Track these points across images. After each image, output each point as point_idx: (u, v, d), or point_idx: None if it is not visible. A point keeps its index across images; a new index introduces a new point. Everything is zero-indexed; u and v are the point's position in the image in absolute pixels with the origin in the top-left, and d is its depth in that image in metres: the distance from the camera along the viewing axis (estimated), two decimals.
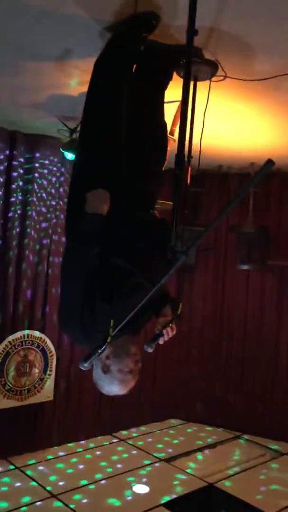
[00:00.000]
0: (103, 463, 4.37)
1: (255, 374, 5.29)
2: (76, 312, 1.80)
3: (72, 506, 3.59)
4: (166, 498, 3.77)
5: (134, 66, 2.20)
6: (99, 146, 2.00)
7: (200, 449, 4.80)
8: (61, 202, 4.54)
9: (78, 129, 3.67)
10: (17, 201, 4.29)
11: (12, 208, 4.26)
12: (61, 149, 3.86)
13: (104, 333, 1.72)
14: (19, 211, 4.30)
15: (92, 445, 4.74)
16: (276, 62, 2.50)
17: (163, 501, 3.72)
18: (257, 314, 5.35)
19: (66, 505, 3.60)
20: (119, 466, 4.33)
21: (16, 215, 4.28)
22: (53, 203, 4.51)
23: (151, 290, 1.65)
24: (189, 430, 5.34)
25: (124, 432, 5.12)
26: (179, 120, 3.16)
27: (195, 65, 2.40)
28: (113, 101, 2.04)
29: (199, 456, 4.67)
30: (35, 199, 4.38)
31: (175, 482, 4.07)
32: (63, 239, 4.57)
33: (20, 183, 4.30)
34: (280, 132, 3.62)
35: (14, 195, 4.26)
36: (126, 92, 2.05)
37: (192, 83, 2.56)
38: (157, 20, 2.05)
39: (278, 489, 4.03)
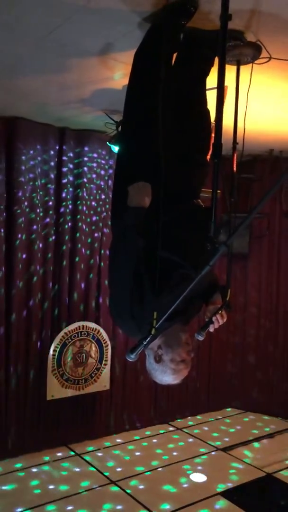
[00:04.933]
0: (159, 451, 4.43)
1: None
2: (126, 305, 1.83)
3: (128, 491, 3.68)
4: (223, 487, 3.77)
5: (175, 54, 2.18)
6: (141, 138, 2.00)
7: (257, 439, 4.75)
8: (110, 195, 4.59)
9: None
10: (68, 196, 4.39)
11: (64, 204, 4.36)
12: (108, 143, 3.89)
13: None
14: (70, 206, 4.40)
15: (148, 433, 4.82)
16: None
17: (219, 490, 3.72)
18: None
19: (124, 490, 3.69)
20: (175, 454, 4.38)
21: (68, 210, 4.38)
22: (103, 196, 4.58)
23: (201, 281, 1.65)
24: (246, 419, 5.29)
25: (180, 421, 5.16)
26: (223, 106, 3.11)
27: (236, 48, 2.36)
28: (154, 91, 2.03)
29: (257, 445, 4.62)
30: (85, 194, 4.46)
31: (232, 471, 4.06)
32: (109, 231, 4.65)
33: (71, 178, 4.40)
34: None
35: (65, 190, 4.37)
36: (167, 81, 2.03)
37: (235, 67, 2.54)
38: (195, 7, 2.01)
39: None
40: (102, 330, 4.55)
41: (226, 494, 3.68)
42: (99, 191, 4.56)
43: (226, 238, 1.58)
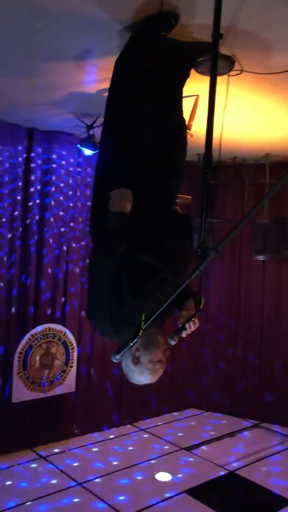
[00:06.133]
0: (124, 452, 4.47)
1: (272, 364, 5.34)
2: (104, 308, 1.86)
3: (95, 492, 3.70)
4: (189, 486, 3.85)
5: (154, 64, 2.24)
6: (126, 144, 2.05)
7: (219, 437, 4.87)
8: (79, 202, 4.61)
9: (95, 125, 3.73)
10: (37, 201, 4.37)
11: (31, 202, 4.34)
12: (78, 145, 3.91)
13: (132, 326, 1.80)
14: (37, 215, 4.38)
15: (113, 435, 4.85)
16: None
17: (185, 489, 3.81)
18: (273, 303, 5.39)
19: (90, 491, 3.70)
20: (139, 454, 4.43)
21: (35, 215, 4.36)
22: (71, 195, 4.58)
23: (176, 284, 1.72)
24: (207, 420, 5.41)
25: (143, 422, 5.22)
26: (195, 114, 3.21)
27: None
28: (135, 99, 2.10)
29: (219, 444, 4.74)
30: (52, 202, 4.45)
31: (196, 470, 4.16)
32: (77, 233, 4.66)
33: (38, 174, 4.38)
34: None
35: (32, 192, 4.34)
36: (147, 89, 2.10)
37: (209, 78, 2.63)
38: (176, 20, 2.09)
39: None
40: (68, 333, 4.54)
41: (191, 492, 3.77)
42: (67, 198, 4.55)
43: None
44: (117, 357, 1.70)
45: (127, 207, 1.95)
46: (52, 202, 4.46)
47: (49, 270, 4.46)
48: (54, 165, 4.46)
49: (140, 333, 1.67)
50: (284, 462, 4.38)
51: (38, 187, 4.38)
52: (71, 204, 4.58)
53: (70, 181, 4.57)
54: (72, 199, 4.59)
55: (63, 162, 4.51)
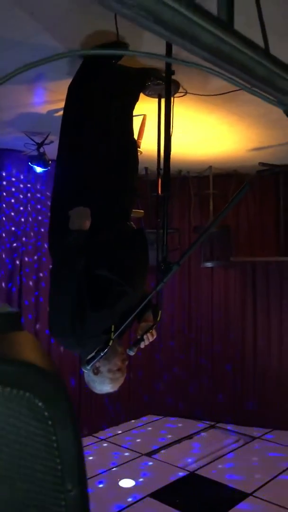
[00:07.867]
0: (86, 462, 4.51)
1: (223, 366, 5.58)
2: (66, 322, 1.95)
3: None
4: (152, 489, 3.97)
5: (106, 89, 2.38)
6: (81, 165, 2.17)
7: (178, 441, 5.03)
8: (30, 219, 4.66)
9: (45, 143, 3.81)
10: None
11: None
12: (29, 163, 3.97)
13: (94, 338, 1.91)
14: None
15: None
16: None
17: (149, 492, 3.92)
18: (222, 307, 5.66)
19: None
20: (102, 463, 4.49)
21: None
22: (22, 220, 4.61)
23: (135, 296, 1.85)
24: (165, 424, 5.56)
25: (103, 431, 5.29)
26: (143, 133, 3.39)
27: (159, 85, 2.64)
28: (89, 121, 2.23)
29: (178, 447, 4.90)
30: (3, 217, 4.47)
31: (158, 474, 4.28)
32: (30, 247, 4.69)
33: None
34: (236, 139, 3.90)
35: None
36: (100, 113, 2.24)
37: (157, 100, 2.83)
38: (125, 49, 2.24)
39: (254, 470, 4.32)
40: None
41: (155, 495, 3.88)
42: (18, 213, 4.59)
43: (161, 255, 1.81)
44: (88, 367, 1.80)
45: (86, 225, 2.05)
46: (4, 218, 4.47)
47: (3, 286, 4.46)
48: (2, 189, 4.48)
49: (110, 343, 1.79)
50: (239, 458, 4.60)
51: None
52: (22, 220, 4.60)
53: (21, 208, 4.60)
54: (24, 214, 4.62)
55: (12, 185, 4.54)
